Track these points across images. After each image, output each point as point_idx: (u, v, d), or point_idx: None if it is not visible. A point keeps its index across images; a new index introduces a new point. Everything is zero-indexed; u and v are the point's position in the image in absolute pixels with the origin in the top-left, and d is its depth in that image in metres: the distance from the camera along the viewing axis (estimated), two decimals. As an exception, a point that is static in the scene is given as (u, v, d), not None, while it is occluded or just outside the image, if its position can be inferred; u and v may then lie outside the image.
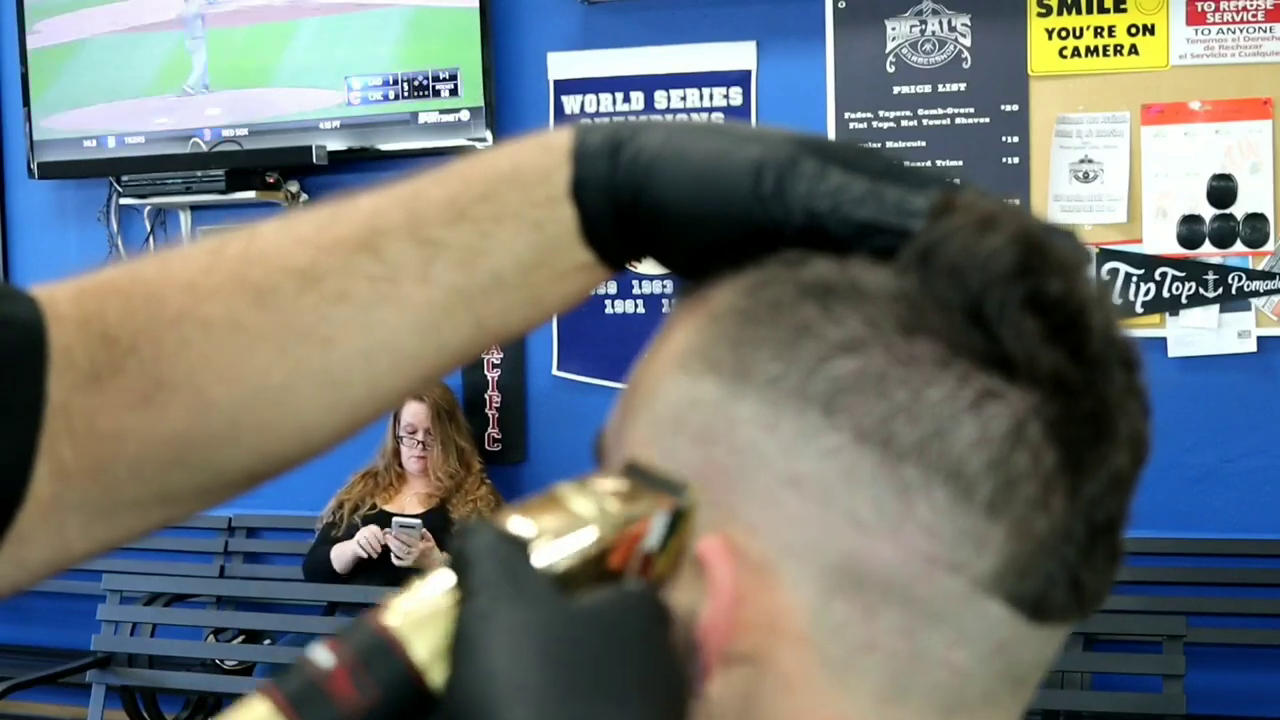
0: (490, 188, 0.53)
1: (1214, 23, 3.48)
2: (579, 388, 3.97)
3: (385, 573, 3.63)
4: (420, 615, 0.44)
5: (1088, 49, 3.57)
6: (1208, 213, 3.51)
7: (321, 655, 0.45)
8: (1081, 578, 0.47)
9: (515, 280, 0.54)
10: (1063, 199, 3.59)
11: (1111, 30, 3.55)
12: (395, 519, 3.65)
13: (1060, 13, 3.58)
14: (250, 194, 4.05)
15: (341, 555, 3.72)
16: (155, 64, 4.29)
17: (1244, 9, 3.46)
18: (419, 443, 3.80)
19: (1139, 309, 3.51)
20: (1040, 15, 3.59)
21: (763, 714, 0.47)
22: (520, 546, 0.44)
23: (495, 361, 4.06)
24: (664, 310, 3.99)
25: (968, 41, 3.66)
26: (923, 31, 3.69)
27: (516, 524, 0.46)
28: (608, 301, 3.93)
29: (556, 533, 0.46)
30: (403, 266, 0.54)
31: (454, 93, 3.98)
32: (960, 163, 3.67)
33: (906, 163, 0.50)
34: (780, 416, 0.46)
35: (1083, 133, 3.58)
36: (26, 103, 4.39)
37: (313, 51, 4.12)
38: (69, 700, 4.07)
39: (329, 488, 3.86)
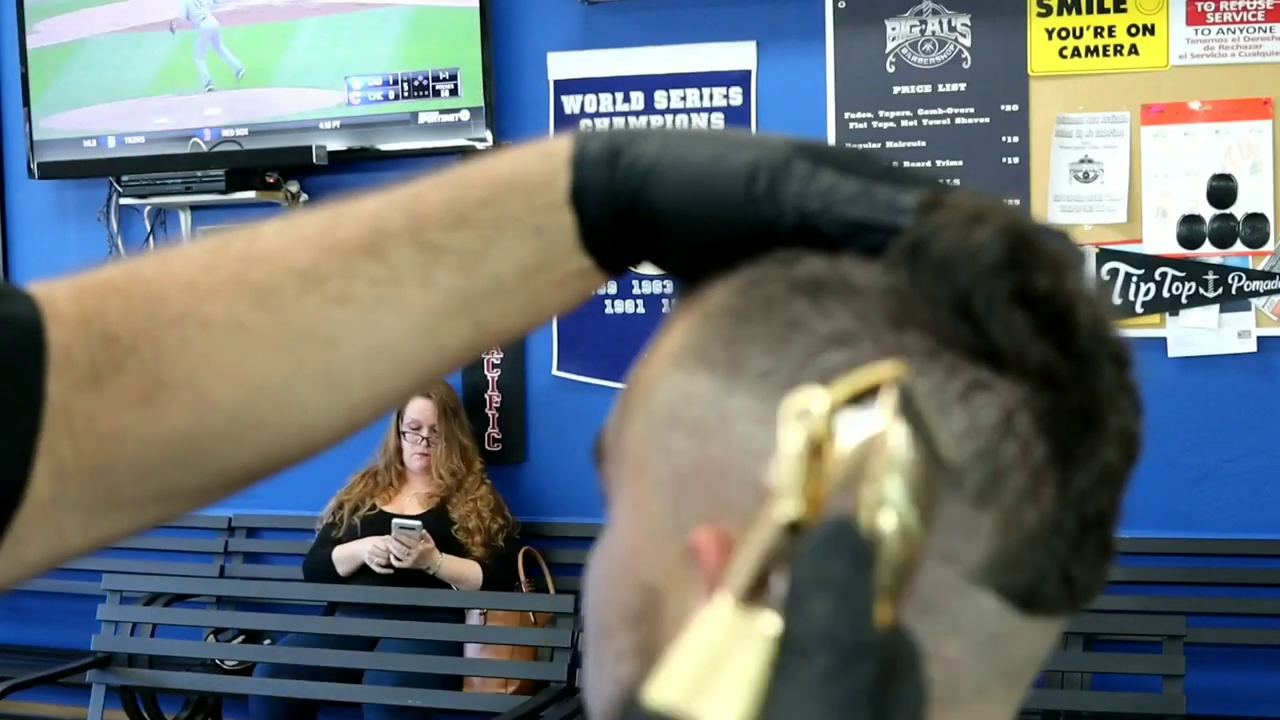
0: (491, 193, 0.54)
1: (1214, 23, 3.49)
2: (579, 388, 3.97)
3: (384, 575, 3.64)
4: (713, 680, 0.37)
5: (1088, 49, 3.57)
6: (1208, 213, 3.51)
7: None
8: (1072, 571, 0.47)
9: (515, 285, 0.54)
10: (1063, 199, 3.59)
11: (1111, 30, 3.55)
12: (395, 520, 3.65)
13: (1060, 13, 3.58)
14: (250, 194, 4.05)
15: (346, 559, 3.72)
16: (155, 64, 4.29)
17: (1244, 9, 3.46)
18: (423, 439, 3.80)
19: (1139, 309, 3.51)
20: (1040, 15, 3.59)
21: None
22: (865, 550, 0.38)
23: (495, 361, 4.06)
24: (664, 310, 4.00)
25: (968, 41, 3.66)
26: (923, 31, 3.69)
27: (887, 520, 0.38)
28: (608, 301, 3.94)
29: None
30: (404, 270, 0.54)
31: (454, 93, 3.98)
32: (960, 163, 3.67)
33: (903, 165, 0.51)
34: (772, 410, 0.46)
35: (1083, 133, 3.58)
36: (26, 103, 4.39)
37: (313, 51, 4.12)
38: (69, 700, 4.07)
39: (329, 488, 3.86)
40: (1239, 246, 3.49)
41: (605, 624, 0.50)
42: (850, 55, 3.74)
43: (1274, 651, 3.41)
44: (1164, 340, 3.51)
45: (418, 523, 3.63)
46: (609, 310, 3.93)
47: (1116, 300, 3.40)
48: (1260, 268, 3.48)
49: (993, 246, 0.46)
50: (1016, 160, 3.63)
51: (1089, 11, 3.56)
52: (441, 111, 3.99)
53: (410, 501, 3.82)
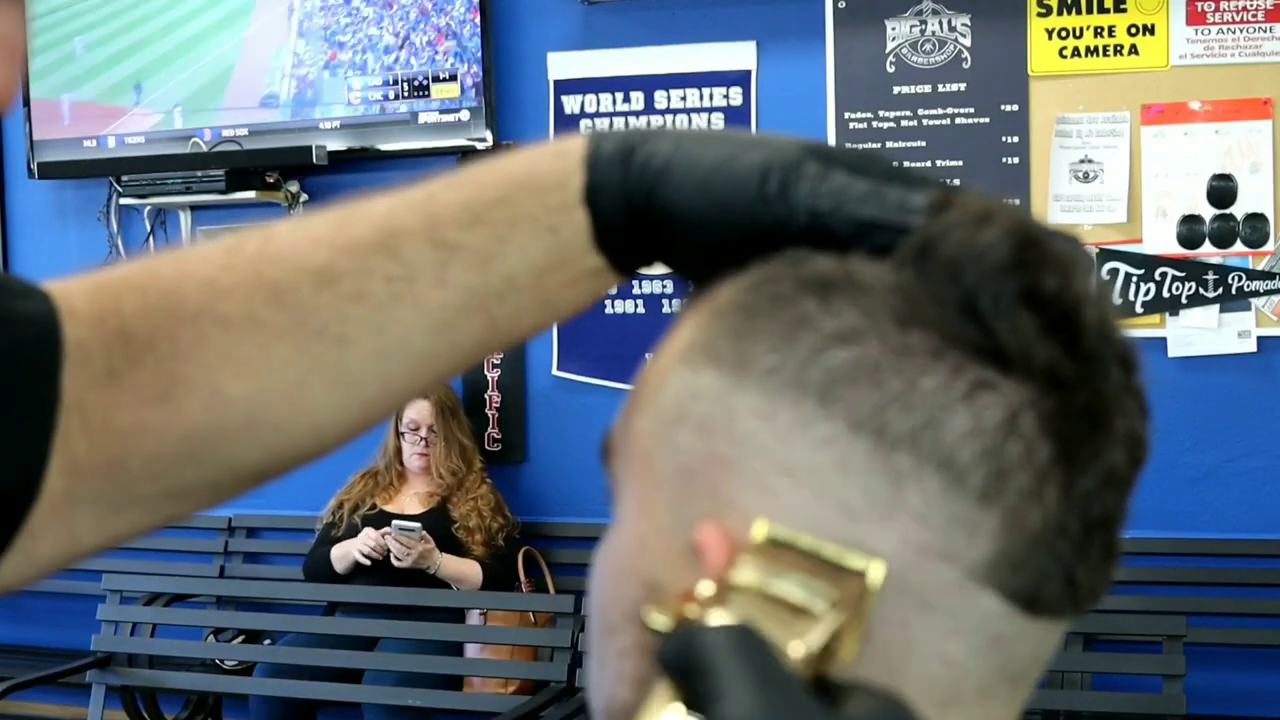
0: (506, 192, 0.54)
1: (1214, 23, 3.49)
2: (579, 388, 3.97)
3: (385, 574, 3.64)
4: None
5: (1088, 49, 3.57)
6: (1208, 213, 3.51)
7: None
8: (1076, 573, 0.47)
9: (528, 283, 0.55)
10: (1063, 199, 3.59)
11: (1111, 30, 3.55)
12: (394, 520, 3.65)
13: (1060, 13, 3.58)
14: (250, 194, 4.05)
15: (343, 558, 3.72)
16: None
17: (1244, 9, 3.46)
18: (422, 439, 3.80)
19: (1139, 309, 3.51)
20: (1040, 15, 3.59)
21: None
22: (765, 646, 0.39)
23: (495, 361, 4.06)
24: (664, 311, 4.02)
25: (968, 41, 3.66)
26: (923, 31, 3.69)
27: (725, 619, 0.40)
28: (608, 301, 3.93)
29: (785, 625, 0.40)
30: (419, 268, 0.55)
31: (454, 93, 3.98)
32: (960, 163, 3.67)
33: (911, 167, 0.51)
34: (777, 406, 0.46)
35: (1083, 133, 3.58)
36: (26, 103, 4.39)
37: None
38: (69, 700, 4.08)
39: (329, 488, 3.86)
40: (1239, 246, 3.49)
41: (609, 620, 0.50)
42: (850, 55, 3.74)
43: (1274, 651, 3.41)
44: (1164, 340, 3.51)
45: (417, 524, 3.63)
46: (609, 310, 3.93)
47: (1117, 300, 3.40)
48: (1260, 268, 3.48)
49: (1000, 247, 0.46)
50: (1016, 160, 3.64)
51: (1089, 11, 3.56)
52: (441, 111, 3.99)
53: (410, 501, 3.82)
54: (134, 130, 4.31)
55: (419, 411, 3.77)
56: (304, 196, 4.15)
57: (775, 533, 0.44)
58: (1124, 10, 3.54)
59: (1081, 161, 3.58)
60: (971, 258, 0.46)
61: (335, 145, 4.07)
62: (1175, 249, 3.52)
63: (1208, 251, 3.51)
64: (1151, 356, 3.66)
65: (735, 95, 3.85)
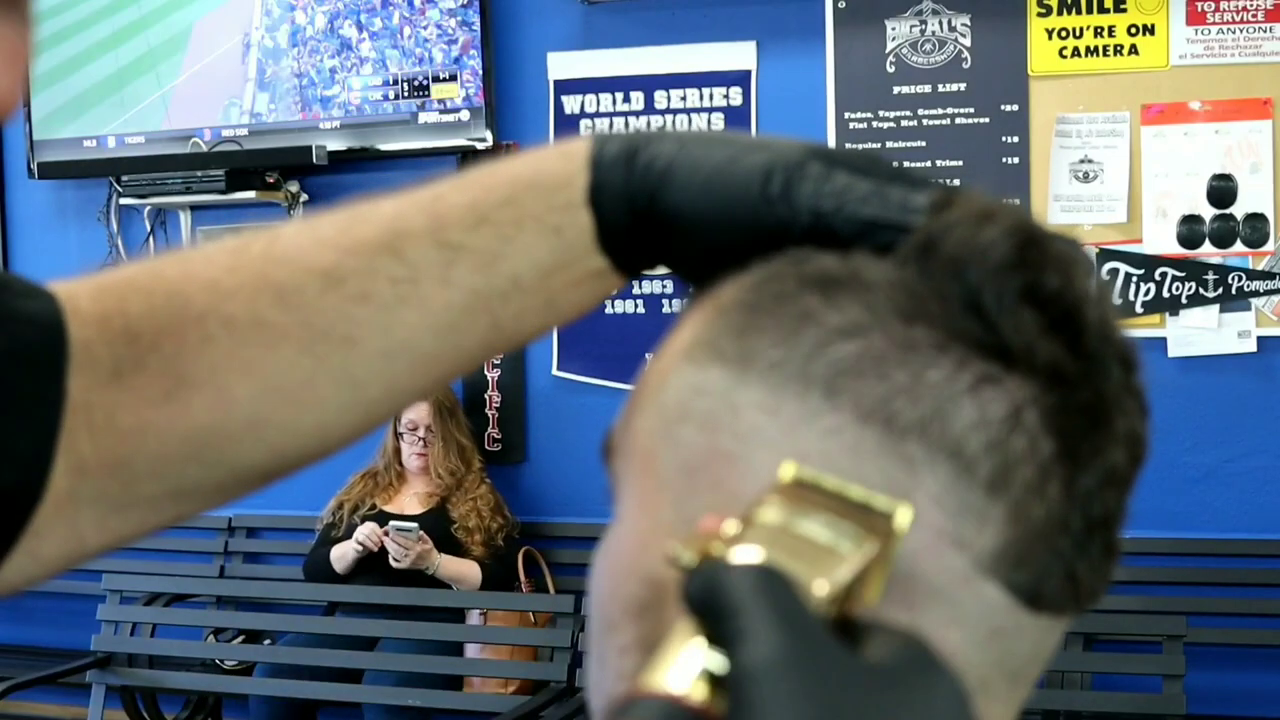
0: (511, 193, 0.55)
1: (1214, 23, 3.49)
2: (579, 388, 3.97)
3: (385, 574, 3.64)
4: (706, 681, 0.37)
5: (1088, 49, 3.57)
6: (1208, 213, 3.51)
7: None
8: (1077, 570, 0.47)
9: (533, 284, 0.55)
10: (1063, 199, 3.59)
11: (1111, 30, 3.55)
12: (391, 521, 3.65)
13: (1060, 13, 3.58)
14: (250, 194, 4.05)
15: (342, 555, 3.73)
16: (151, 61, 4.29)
17: (1244, 9, 3.46)
18: (420, 439, 3.80)
19: (1139, 309, 3.51)
20: (1040, 15, 3.60)
21: None
22: (788, 586, 0.39)
23: (495, 361, 4.06)
24: (664, 311, 4.01)
25: (968, 41, 3.66)
26: (923, 31, 3.69)
27: (749, 556, 0.40)
28: (608, 301, 3.93)
29: (812, 563, 0.40)
30: (424, 269, 0.55)
31: (454, 93, 3.98)
32: (960, 163, 3.68)
33: (913, 169, 0.51)
34: (782, 400, 0.47)
35: (1083, 133, 3.58)
36: (26, 103, 4.39)
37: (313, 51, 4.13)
38: (69, 700, 4.08)
39: (329, 488, 3.87)
40: (1239, 246, 3.49)
41: (610, 618, 0.50)
42: (850, 55, 3.74)
43: (1274, 651, 3.41)
44: (1164, 340, 3.51)
45: (415, 525, 3.63)
46: (609, 310, 3.93)
47: (1117, 300, 3.40)
48: (1260, 268, 3.48)
49: (1002, 245, 0.46)
50: (1016, 160, 3.64)
51: (1089, 11, 3.56)
52: (441, 111, 3.99)
53: (410, 501, 3.82)
54: (134, 130, 4.31)
55: (417, 412, 3.77)
56: (304, 196, 4.15)
57: (802, 474, 0.44)
58: (1124, 10, 3.54)
59: (1081, 161, 3.58)
60: (974, 255, 0.46)
61: (335, 145, 4.07)
62: (1175, 249, 3.52)
63: (1208, 251, 3.51)
64: (1151, 356, 3.66)
65: (735, 95, 3.85)
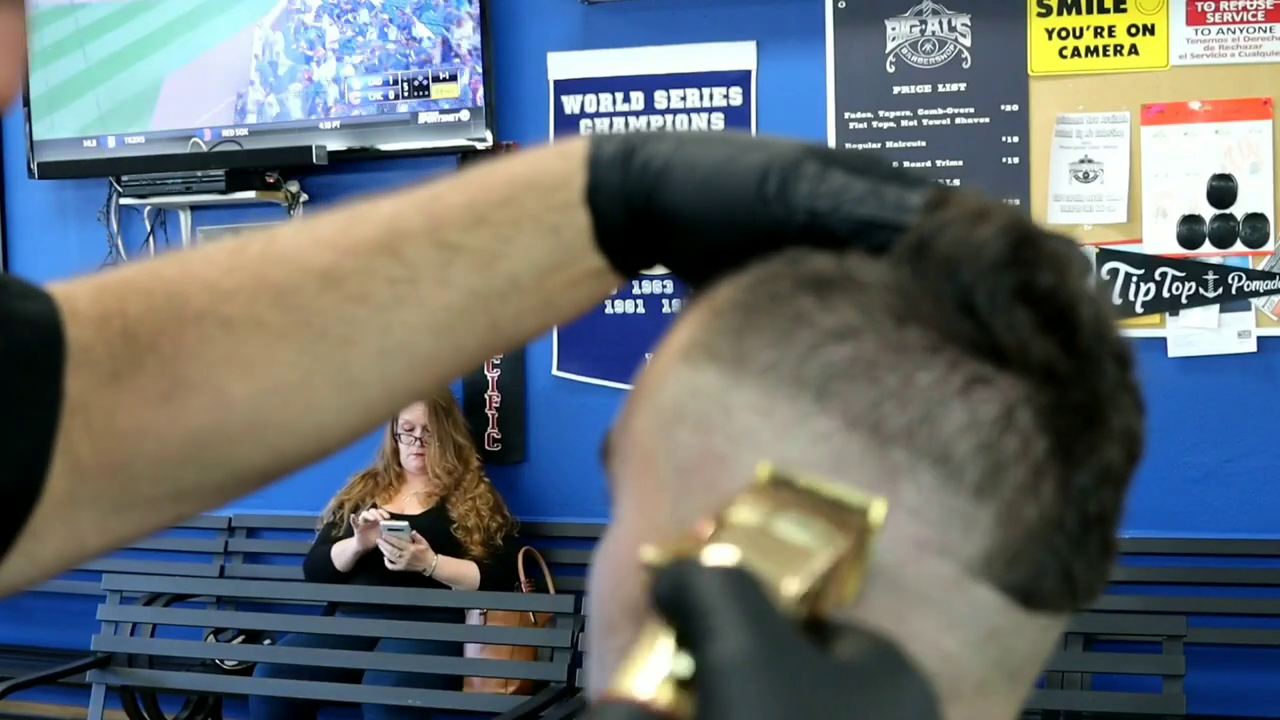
0: (509, 192, 0.55)
1: (1214, 23, 3.49)
2: (579, 388, 3.97)
3: (384, 574, 3.64)
4: (674, 681, 0.37)
5: (1088, 49, 3.57)
6: (1208, 213, 3.51)
7: None
8: (1073, 569, 0.47)
9: (531, 284, 0.55)
10: (1063, 199, 3.59)
11: (1111, 30, 3.55)
12: (383, 523, 3.65)
13: (1060, 13, 3.58)
14: (250, 194, 4.05)
15: (342, 551, 3.73)
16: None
17: (1244, 9, 3.46)
18: (416, 439, 3.80)
19: (1139, 309, 3.51)
20: (1040, 15, 3.60)
21: None
22: (757, 585, 0.39)
23: (495, 361, 4.06)
24: (664, 310, 4.00)
25: (968, 41, 3.66)
26: (923, 31, 3.69)
27: (720, 556, 0.40)
28: (608, 301, 3.93)
29: (780, 562, 0.40)
30: (422, 269, 0.55)
31: (454, 93, 3.98)
32: (960, 163, 3.68)
33: (911, 168, 0.51)
34: (775, 403, 0.47)
35: (1083, 133, 3.58)
36: (26, 103, 4.39)
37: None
38: (69, 700, 4.08)
39: (329, 488, 3.87)
40: (1239, 246, 3.49)
41: (608, 619, 0.50)
42: (850, 55, 3.74)
43: (1274, 651, 3.41)
44: (1164, 340, 3.51)
45: (406, 524, 3.63)
46: (609, 310, 3.93)
47: (1116, 300, 3.41)
48: (1260, 268, 3.48)
49: (996, 243, 0.46)
50: (1016, 160, 3.64)
51: (1089, 11, 3.56)
52: (441, 111, 3.99)
53: (410, 501, 3.82)
54: (134, 130, 4.31)
55: (413, 412, 3.77)
56: (304, 196, 4.15)
57: (777, 473, 0.44)
58: (1124, 10, 3.54)
59: (1081, 161, 3.58)
60: (967, 254, 0.46)
61: (335, 145, 4.07)
62: (1175, 249, 3.52)
63: (1208, 251, 3.51)
64: (1151, 356, 3.66)
65: (735, 95, 3.85)
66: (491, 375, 4.09)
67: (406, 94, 4.03)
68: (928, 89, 3.70)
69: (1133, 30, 3.54)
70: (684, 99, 3.88)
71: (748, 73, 3.83)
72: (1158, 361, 3.46)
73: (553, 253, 0.55)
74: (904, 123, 3.72)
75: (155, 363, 0.55)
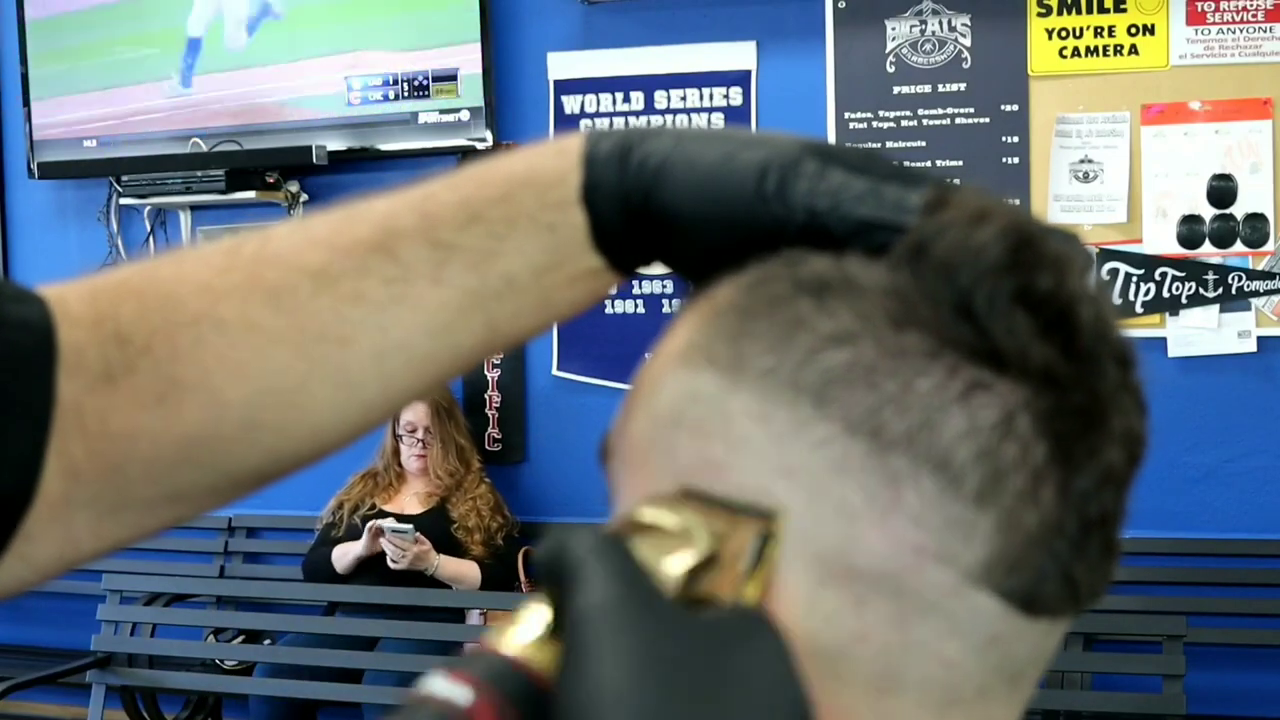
0: (504, 190, 0.54)
1: (1214, 23, 3.49)
2: (579, 388, 3.97)
3: (384, 574, 3.64)
4: (543, 640, 0.40)
5: (1088, 49, 3.57)
6: (1208, 213, 3.51)
7: (452, 690, 0.39)
8: (1074, 572, 0.47)
9: (527, 283, 0.55)
10: (1063, 199, 3.59)
11: (1111, 30, 3.55)
12: (387, 524, 3.65)
13: (1060, 13, 3.58)
14: (250, 194, 4.05)
15: (343, 555, 3.73)
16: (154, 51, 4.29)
17: (1244, 9, 3.46)
18: (419, 441, 3.80)
19: (1139, 309, 3.51)
20: (1040, 15, 3.59)
21: None
22: (623, 546, 0.42)
23: (495, 361, 4.06)
24: (664, 310, 4.00)
25: (968, 41, 3.66)
26: (923, 31, 3.69)
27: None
28: (608, 301, 3.93)
29: (663, 549, 0.43)
30: (417, 268, 0.54)
31: (454, 93, 3.98)
32: (960, 163, 3.67)
33: (912, 166, 0.51)
34: (773, 408, 0.46)
35: (1083, 133, 3.58)
36: (27, 103, 4.39)
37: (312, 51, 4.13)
38: (69, 700, 4.08)
39: (329, 488, 3.86)
40: (1239, 246, 3.49)
41: None
42: (850, 55, 3.74)
43: (1274, 651, 3.41)
44: (1164, 340, 3.51)
45: (410, 526, 3.63)
46: (609, 310, 3.93)
47: (1116, 300, 3.40)
48: (1260, 268, 3.48)
49: (995, 246, 0.46)
50: (1016, 160, 3.64)
51: (1089, 11, 3.56)
52: (441, 111, 3.99)
53: (410, 501, 3.82)
54: (134, 131, 4.31)
55: (415, 413, 3.77)
56: (304, 196, 4.15)
57: (688, 487, 0.47)
58: (1124, 10, 3.54)
59: (1081, 161, 3.58)
60: (966, 258, 0.46)
61: (335, 145, 4.07)
62: (1175, 249, 3.52)
63: (1208, 251, 3.51)
64: (1151, 357, 3.66)
65: (735, 95, 3.85)
66: (491, 375, 4.09)
67: (406, 94, 4.03)
68: (928, 89, 3.70)
69: (1133, 30, 3.54)
70: (684, 99, 3.88)
71: (748, 73, 3.83)
72: (1158, 361, 3.46)
73: (549, 251, 0.54)
74: (904, 123, 3.72)
75: (149, 365, 0.55)
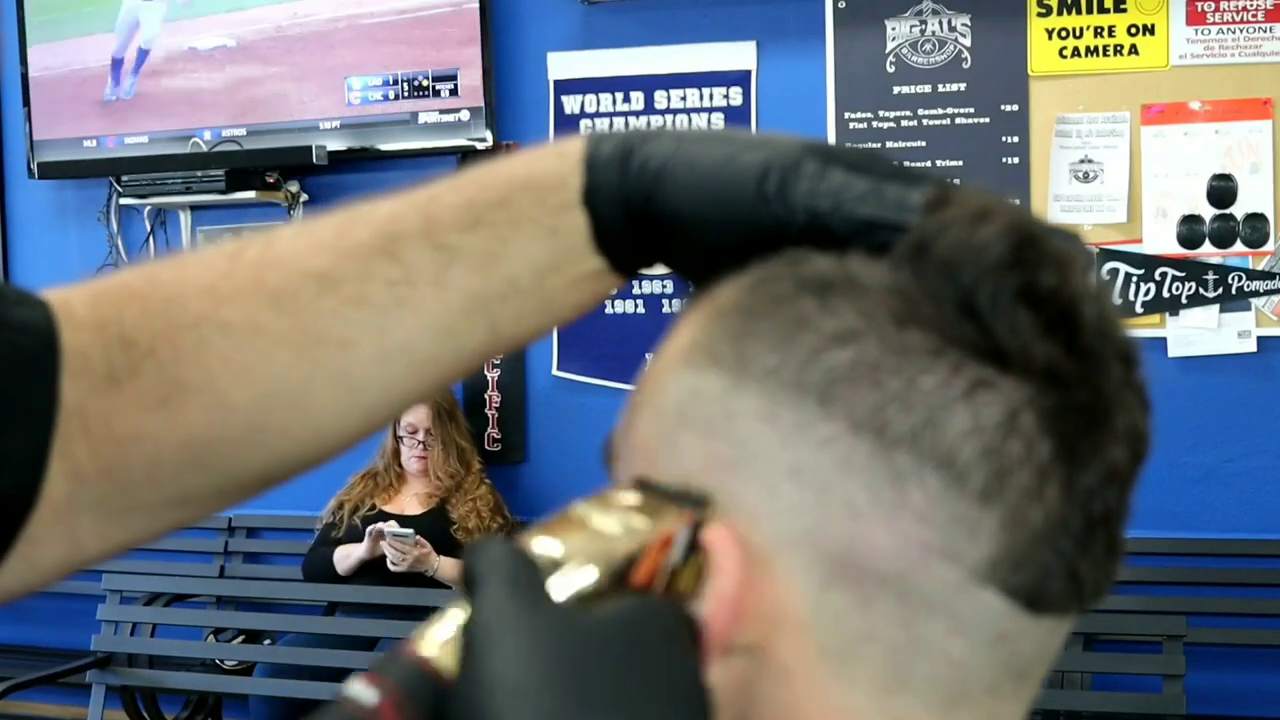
0: (506, 194, 0.54)
1: (1214, 23, 3.48)
2: (579, 388, 3.97)
3: (385, 574, 3.64)
4: (454, 641, 0.43)
5: (1088, 49, 3.57)
6: (1208, 213, 3.51)
7: (363, 692, 0.43)
8: (1079, 570, 0.47)
9: (529, 285, 0.55)
10: (1063, 199, 3.59)
11: (1111, 30, 3.55)
12: (388, 527, 3.64)
13: (1060, 13, 3.58)
14: (250, 194, 4.05)
15: (345, 556, 3.72)
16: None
17: (1244, 9, 3.46)
18: (419, 443, 3.80)
19: (1139, 309, 3.51)
20: (1040, 15, 3.59)
21: (762, 705, 0.47)
22: (527, 558, 0.44)
23: (495, 362, 4.06)
24: (664, 311, 4.00)
25: (968, 41, 3.66)
26: (923, 31, 3.69)
27: (541, 545, 0.45)
28: (608, 302, 3.92)
29: (584, 552, 0.44)
30: (419, 271, 0.55)
31: (454, 93, 3.98)
32: (960, 163, 3.67)
33: (912, 166, 0.51)
34: (778, 408, 0.47)
35: (1083, 133, 3.58)
36: (26, 103, 4.39)
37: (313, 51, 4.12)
38: (69, 700, 4.07)
39: (329, 488, 3.86)
40: (1239, 246, 3.49)
41: None
42: (850, 55, 3.74)
43: (1274, 651, 3.41)
44: (1164, 340, 3.51)
45: (411, 531, 3.63)
46: (609, 310, 3.93)
47: (1116, 300, 3.39)
48: (1260, 268, 3.48)
49: (997, 245, 0.46)
50: (1016, 160, 3.63)
51: (1089, 11, 3.56)
52: (441, 111, 3.99)
53: (410, 501, 3.82)
54: (134, 130, 4.31)
55: (416, 415, 3.77)
56: (304, 196, 4.14)
57: (641, 477, 0.48)
58: (1124, 10, 3.54)
59: (1081, 161, 3.58)
60: (968, 256, 0.46)
61: (335, 145, 4.07)
62: (1175, 249, 3.52)
63: (1208, 251, 3.51)
64: (1151, 356, 3.61)
65: (735, 95, 3.85)
66: (491, 375, 4.09)
67: (406, 94, 4.03)
68: (928, 89, 3.70)
69: (1133, 30, 3.54)
70: (684, 99, 3.88)
71: (748, 73, 3.83)
72: (1158, 361, 3.46)
73: (551, 254, 0.54)
74: (904, 123, 3.72)
75: (153, 368, 0.55)
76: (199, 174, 4.06)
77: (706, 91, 3.87)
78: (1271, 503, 3.51)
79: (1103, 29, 3.56)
